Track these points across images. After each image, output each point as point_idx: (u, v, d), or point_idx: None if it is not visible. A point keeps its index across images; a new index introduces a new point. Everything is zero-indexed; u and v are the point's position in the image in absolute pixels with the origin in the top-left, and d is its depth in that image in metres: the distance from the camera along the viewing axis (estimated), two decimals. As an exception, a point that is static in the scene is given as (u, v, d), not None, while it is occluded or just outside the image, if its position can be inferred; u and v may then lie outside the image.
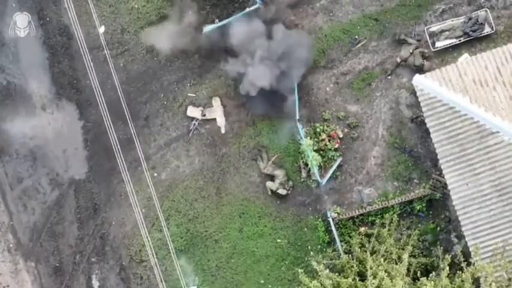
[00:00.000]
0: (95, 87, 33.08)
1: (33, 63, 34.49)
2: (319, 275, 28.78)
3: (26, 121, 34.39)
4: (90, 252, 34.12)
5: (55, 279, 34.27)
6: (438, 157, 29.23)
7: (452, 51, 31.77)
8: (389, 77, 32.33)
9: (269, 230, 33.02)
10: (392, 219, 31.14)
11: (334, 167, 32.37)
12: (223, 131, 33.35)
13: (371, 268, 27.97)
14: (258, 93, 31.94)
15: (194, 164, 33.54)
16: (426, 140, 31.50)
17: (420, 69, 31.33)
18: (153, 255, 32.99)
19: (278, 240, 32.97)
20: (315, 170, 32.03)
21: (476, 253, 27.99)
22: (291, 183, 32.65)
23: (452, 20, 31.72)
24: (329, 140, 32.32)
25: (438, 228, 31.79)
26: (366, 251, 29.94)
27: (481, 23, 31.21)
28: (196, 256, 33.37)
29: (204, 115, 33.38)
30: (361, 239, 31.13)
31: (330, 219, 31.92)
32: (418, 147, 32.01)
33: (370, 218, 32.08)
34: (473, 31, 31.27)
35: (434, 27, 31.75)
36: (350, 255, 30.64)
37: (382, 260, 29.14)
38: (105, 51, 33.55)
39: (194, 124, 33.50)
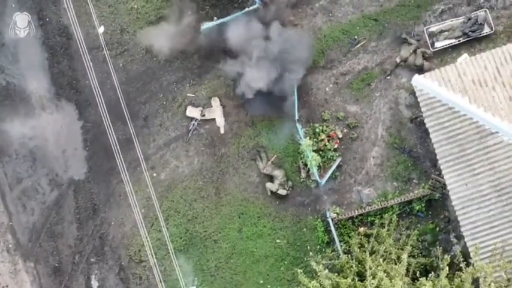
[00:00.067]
0: (94, 88, 33.09)
1: (32, 63, 34.49)
2: (319, 275, 28.77)
3: (25, 121, 34.38)
4: (90, 252, 34.11)
5: (54, 280, 34.26)
6: (437, 157, 29.24)
7: (451, 51, 31.78)
8: (388, 77, 32.34)
9: (268, 230, 33.01)
10: (391, 219, 31.14)
11: (334, 167, 32.37)
12: (222, 131, 33.35)
13: (370, 268, 27.96)
14: (257, 93, 31.95)
15: (193, 164, 33.54)
16: (425, 140, 31.50)
17: (420, 69, 31.33)
18: (152, 256, 32.99)
19: (277, 241, 32.96)
20: (314, 170, 32.03)
21: (475, 253, 27.99)
22: (290, 183, 32.65)
23: (452, 21, 31.73)
24: (328, 140, 32.31)
25: (437, 229, 31.80)
26: (365, 251, 29.94)
27: (480, 23, 31.22)
28: (196, 256, 33.36)
29: (204, 115, 33.38)
30: (361, 239, 31.13)
31: (329, 220, 31.92)
32: (417, 147, 32.01)
33: (369, 218, 32.08)
34: (473, 31, 31.28)
35: (434, 28, 31.76)
36: (349, 256, 30.62)
37: (381, 260, 29.14)
38: (105, 52, 33.55)
39: (193, 124, 33.50)
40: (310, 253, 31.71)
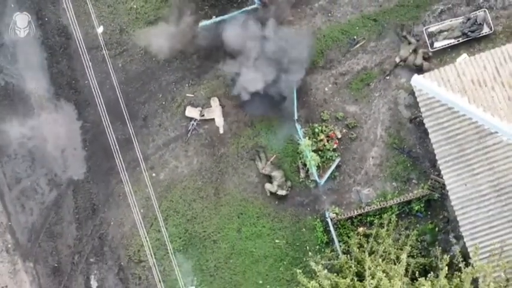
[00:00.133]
0: (94, 88, 33.08)
1: (31, 63, 34.48)
2: (318, 276, 28.76)
3: (24, 121, 34.38)
4: (89, 252, 34.11)
5: (53, 280, 34.25)
6: (437, 157, 29.23)
7: (450, 51, 31.77)
8: (387, 78, 32.33)
9: (267, 230, 33.01)
10: (390, 219, 31.14)
11: (333, 167, 32.37)
12: (221, 131, 33.34)
13: (369, 268, 27.96)
14: (256, 94, 31.96)
15: (193, 164, 33.54)
16: (425, 140, 31.50)
17: (419, 70, 31.33)
18: (151, 256, 32.99)
19: (276, 241, 32.96)
20: (314, 171, 32.02)
21: (475, 253, 28.00)
22: (289, 183, 32.64)
23: (451, 21, 31.73)
24: (327, 141, 32.31)
25: (437, 229, 31.79)
26: (364, 251, 29.95)
27: (480, 24, 31.21)
28: (195, 256, 33.35)
29: (203, 115, 33.38)
30: (360, 239, 31.12)
31: (329, 220, 31.92)
32: (416, 147, 32.01)
33: (368, 218, 32.08)
34: (472, 31, 31.28)
35: (433, 28, 31.76)
36: (348, 256, 30.62)
37: (380, 260, 29.14)
38: (104, 52, 33.55)
39: (193, 124, 33.49)
40: (309, 253, 31.73)
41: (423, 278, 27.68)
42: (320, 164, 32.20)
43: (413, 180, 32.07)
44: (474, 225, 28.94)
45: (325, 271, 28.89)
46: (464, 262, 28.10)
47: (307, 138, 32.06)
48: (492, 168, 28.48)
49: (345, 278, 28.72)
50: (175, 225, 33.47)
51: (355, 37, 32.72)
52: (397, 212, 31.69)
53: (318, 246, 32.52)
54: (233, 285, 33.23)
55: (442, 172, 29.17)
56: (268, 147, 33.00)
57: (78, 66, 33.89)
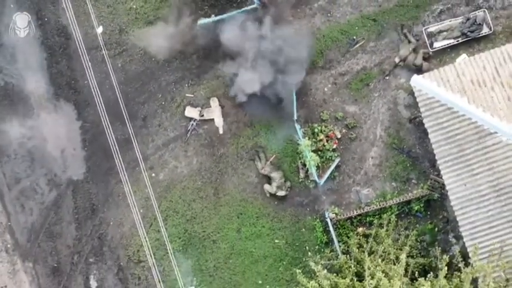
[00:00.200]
0: (93, 88, 33.09)
1: (31, 63, 34.48)
2: (317, 276, 28.77)
3: (23, 121, 34.37)
4: (88, 252, 34.10)
5: (53, 280, 34.25)
6: (436, 157, 29.23)
7: (450, 51, 31.78)
8: (387, 78, 32.34)
9: (267, 230, 33.01)
10: (390, 219, 31.15)
11: (332, 167, 32.36)
12: (221, 131, 33.34)
13: (369, 268, 27.98)
14: (256, 94, 31.96)
15: (192, 164, 33.53)
16: (424, 140, 31.51)
17: (418, 70, 31.33)
18: (151, 256, 32.98)
19: (276, 241, 32.96)
20: (313, 171, 32.02)
21: (474, 253, 28.01)
22: (288, 183, 32.64)
23: (450, 21, 31.73)
24: (327, 141, 32.31)
25: (436, 229, 31.79)
26: (363, 252, 29.95)
27: (479, 24, 31.21)
28: (194, 256, 33.35)
29: (202, 115, 33.37)
30: (359, 239, 31.12)
31: (328, 220, 31.91)
32: (416, 147, 32.01)
33: (368, 219, 32.08)
34: (472, 31, 31.28)
35: (432, 28, 31.76)
36: (348, 256, 30.63)
37: (380, 260, 29.14)
38: (103, 52, 33.55)
39: (192, 124, 33.49)
40: (309, 253, 31.73)
41: (423, 278, 27.67)
42: (319, 164, 32.20)
43: (413, 180, 32.07)
44: (474, 225, 28.94)
45: (325, 271, 28.89)
46: (463, 262, 28.13)
47: (306, 138, 32.06)
48: (492, 168, 28.48)
49: (345, 278, 28.73)
50: (175, 225, 33.47)
51: (354, 37, 32.72)
52: (397, 212, 31.69)
53: (317, 246, 32.53)
54: (233, 285, 33.23)
55: (442, 172, 29.17)
56: (268, 148, 33.00)
57: (78, 67, 33.89)
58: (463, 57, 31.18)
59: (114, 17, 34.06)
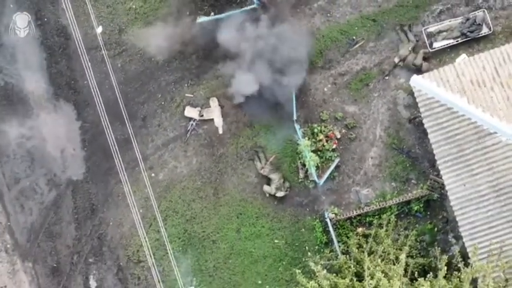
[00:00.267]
0: (93, 88, 33.08)
1: (30, 63, 34.48)
2: (317, 276, 28.76)
3: (23, 121, 34.37)
4: (88, 252, 34.10)
5: (52, 280, 34.25)
6: (436, 158, 29.23)
7: (450, 51, 31.78)
8: (387, 78, 32.34)
9: (267, 230, 33.00)
10: (389, 219, 31.14)
11: (332, 167, 32.36)
12: (220, 131, 33.33)
13: (368, 269, 27.98)
14: (255, 94, 31.96)
15: (192, 164, 33.53)
16: (424, 140, 31.51)
17: (418, 70, 31.33)
18: (150, 256, 32.98)
19: (276, 241, 32.96)
20: (313, 171, 32.01)
21: (474, 253, 28.01)
22: (287, 184, 32.62)
23: (450, 21, 31.72)
24: (327, 141, 32.30)
25: (436, 229, 31.79)
26: (363, 252, 29.95)
27: (479, 24, 31.21)
28: (194, 256, 33.35)
29: (202, 115, 33.37)
30: (359, 239, 31.12)
31: (328, 220, 31.91)
32: (415, 147, 32.01)
33: (367, 219, 32.08)
34: (471, 32, 31.28)
35: (432, 28, 31.75)
36: (347, 256, 30.63)
37: (379, 260, 29.13)
38: (103, 52, 33.55)
39: (192, 124, 33.49)
40: (309, 253, 31.72)
41: (422, 278, 27.68)
42: (319, 164, 32.19)
43: (413, 181, 32.07)
44: (473, 226, 28.94)
45: (324, 271, 28.88)
46: (463, 262, 28.13)
47: (306, 138, 32.05)
48: (491, 168, 28.48)
49: (344, 278, 28.72)
50: (175, 225, 33.47)
51: (354, 37, 32.72)
52: (396, 212, 31.69)
53: (317, 247, 32.52)
54: (232, 286, 33.23)
55: (441, 172, 29.17)
56: (268, 148, 33.00)
57: (78, 67, 33.88)
58: (462, 58, 31.18)
59: (114, 17, 34.06)
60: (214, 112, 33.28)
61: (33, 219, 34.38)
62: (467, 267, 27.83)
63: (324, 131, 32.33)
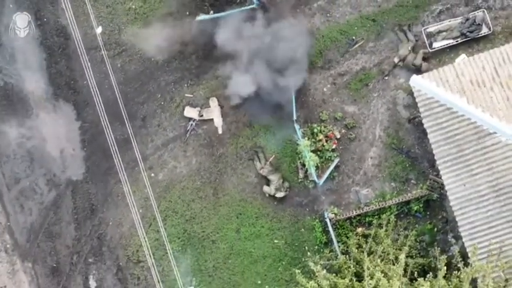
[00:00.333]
0: (92, 88, 33.08)
1: (30, 63, 34.47)
2: (316, 276, 28.76)
3: (23, 122, 34.37)
4: (87, 252, 34.10)
5: (52, 280, 34.24)
6: (435, 158, 29.23)
7: (449, 51, 31.78)
8: (386, 78, 32.34)
9: (266, 230, 33.00)
10: (389, 219, 31.14)
11: (332, 167, 32.36)
12: (220, 131, 33.33)
13: (368, 269, 27.98)
14: (255, 94, 31.97)
15: (191, 164, 33.53)
16: (423, 140, 31.51)
17: (418, 70, 31.33)
18: (150, 256, 32.98)
19: (275, 241, 32.96)
20: (312, 171, 32.01)
21: (474, 254, 28.01)
22: (287, 184, 32.62)
23: (450, 21, 31.72)
24: (326, 141, 32.30)
25: (435, 229, 31.79)
26: (363, 252, 29.95)
27: (479, 24, 31.21)
28: (194, 257, 33.35)
29: (201, 115, 33.37)
30: (358, 239, 31.12)
31: (327, 220, 31.91)
32: (415, 147, 32.01)
33: (367, 219, 32.08)
34: (471, 32, 31.28)
35: (432, 28, 31.75)
36: (347, 256, 30.63)
37: (379, 260, 29.13)
38: (103, 52, 33.54)
39: (191, 124, 33.49)
40: (308, 253, 31.73)
41: (422, 278, 27.68)
42: (319, 164, 32.19)
43: (412, 181, 32.07)
44: (473, 226, 28.94)
45: (324, 271, 28.88)
46: (463, 262, 28.12)
47: (306, 138, 32.05)
48: (491, 168, 28.48)
49: (344, 278, 28.72)
50: (174, 225, 33.47)
51: (353, 37, 32.72)
52: (396, 213, 31.69)
53: (316, 247, 32.52)
54: (232, 286, 33.23)
55: (441, 172, 29.17)
56: (267, 148, 33.00)
57: (77, 67, 33.88)
58: (462, 58, 31.18)
59: (113, 17, 34.05)
60: (213, 112, 33.28)
61: (33, 219, 34.38)
62: (466, 267, 27.83)
63: (323, 131, 32.33)
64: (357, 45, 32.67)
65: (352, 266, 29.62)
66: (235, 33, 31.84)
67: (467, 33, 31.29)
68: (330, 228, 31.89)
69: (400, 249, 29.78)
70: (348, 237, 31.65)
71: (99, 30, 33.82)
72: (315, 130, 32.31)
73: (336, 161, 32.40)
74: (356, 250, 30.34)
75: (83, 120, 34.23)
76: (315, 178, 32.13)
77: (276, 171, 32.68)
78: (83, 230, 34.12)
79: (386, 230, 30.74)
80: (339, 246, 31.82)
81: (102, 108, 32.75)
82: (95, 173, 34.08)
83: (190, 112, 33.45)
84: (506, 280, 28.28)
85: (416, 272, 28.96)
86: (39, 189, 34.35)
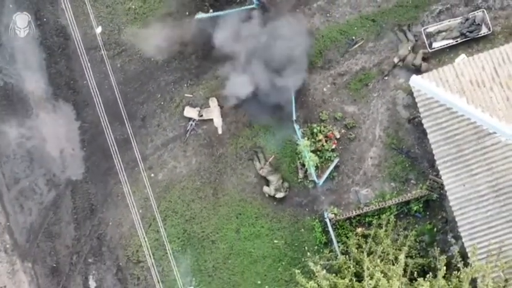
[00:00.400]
0: (92, 88, 33.09)
1: (30, 63, 34.47)
2: (316, 276, 28.77)
3: (22, 122, 34.36)
4: (87, 252, 34.10)
5: (52, 280, 34.24)
6: (435, 158, 29.23)
7: (449, 51, 31.77)
8: (386, 78, 32.34)
9: (266, 230, 33.00)
10: (389, 219, 31.13)
11: (331, 167, 32.35)
12: (220, 131, 33.32)
13: (368, 269, 27.99)
14: (255, 95, 31.96)
15: (191, 164, 33.52)
16: (423, 140, 31.51)
17: (417, 70, 31.33)
18: (150, 256, 32.98)
19: (275, 241, 32.96)
20: (312, 171, 32.01)
21: (473, 254, 28.01)
22: (286, 184, 32.61)
23: (449, 21, 31.72)
24: (326, 141, 32.30)
25: (435, 229, 31.79)
26: (362, 252, 29.95)
27: (478, 24, 31.21)
28: (193, 257, 33.35)
29: (201, 116, 33.36)
30: (358, 239, 31.12)
31: (327, 220, 31.91)
32: (415, 148, 32.01)
33: (367, 219, 32.08)
34: (470, 32, 31.27)
35: (431, 28, 31.74)
36: (347, 256, 30.63)
37: (378, 260, 29.14)
38: (102, 52, 33.55)
39: (191, 125, 33.48)
40: (308, 253, 31.73)
41: (422, 278, 27.68)
42: (319, 165, 32.19)
43: (412, 181, 32.07)
44: (473, 226, 28.94)
45: (324, 271, 28.89)
46: (462, 262, 28.13)
47: (305, 138, 32.05)
48: (491, 168, 28.48)
49: (344, 279, 28.73)
50: (174, 225, 33.47)
51: (353, 37, 32.71)
52: (396, 213, 31.69)
53: (316, 247, 32.52)
54: (231, 286, 33.23)
55: (441, 172, 29.17)
56: (267, 148, 32.99)
57: (77, 67, 33.88)
58: (462, 58, 31.18)
59: (113, 17, 34.05)
60: (213, 112, 33.28)
61: (33, 219, 34.38)
62: (466, 267, 27.84)
63: (323, 131, 32.33)
64: (356, 45, 32.67)
65: (352, 266, 29.62)
66: (234, 33, 31.83)
67: (467, 33, 31.29)
68: (330, 229, 31.89)
69: (400, 250, 29.78)
70: (347, 238, 31.65)
71: (98, 30, 33.83)
72: (315, 130, 32.31)
73: (336, 161, 32.40)
74: (356, 250, 30.34)
75: (83, 120, 34.23)
76: (315, 178, 32.13)
77: (276, 171, 32.69)
78: (82, 230, 34.12)
79: (386, 230, 30.74)
80: (339, 247, 31.82)
81: (101, 108, 32.75)
82: (95, 173, 34.08)
83: (190, 112, 33.45)
84: (506, 280, 28.28)
85: (416, 272, 28.97)
86: (38, 189, 34.34)
